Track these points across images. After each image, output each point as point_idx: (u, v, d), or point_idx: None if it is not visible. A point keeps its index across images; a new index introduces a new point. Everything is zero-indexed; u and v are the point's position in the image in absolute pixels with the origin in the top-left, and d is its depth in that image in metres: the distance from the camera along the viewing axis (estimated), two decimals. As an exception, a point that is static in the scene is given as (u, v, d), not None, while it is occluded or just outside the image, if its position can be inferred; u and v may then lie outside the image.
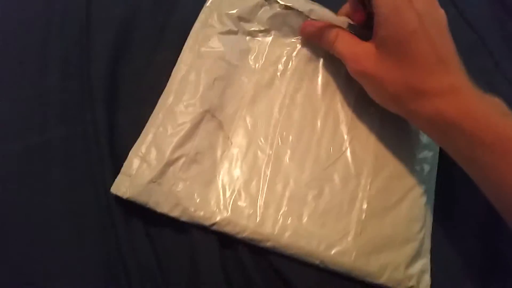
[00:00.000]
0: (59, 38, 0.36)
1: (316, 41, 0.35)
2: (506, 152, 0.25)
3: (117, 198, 0.30)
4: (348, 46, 0.32)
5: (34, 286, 0.29)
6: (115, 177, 0.30)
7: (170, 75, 0.34)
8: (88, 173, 0.32)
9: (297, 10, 0.36)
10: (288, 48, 0.36)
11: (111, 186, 0.30)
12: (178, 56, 0.35)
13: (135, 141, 0.32)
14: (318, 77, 0.36)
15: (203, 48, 0.35)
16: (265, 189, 0.31)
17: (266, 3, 0.36)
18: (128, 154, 0.31)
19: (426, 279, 0.31)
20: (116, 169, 0.31)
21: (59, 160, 0.32)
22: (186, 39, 0.35)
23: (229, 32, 0.36)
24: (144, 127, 0.32)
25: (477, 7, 0.43)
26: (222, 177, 0.31)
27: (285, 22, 0.36)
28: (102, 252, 0.30)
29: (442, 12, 0.29)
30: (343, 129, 0.34)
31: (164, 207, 0.30)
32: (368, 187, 0.33)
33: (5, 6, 0.38)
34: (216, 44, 0.35)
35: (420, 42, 0.28)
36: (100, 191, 0.31)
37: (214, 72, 0.34)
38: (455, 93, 0.27)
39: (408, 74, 0.28)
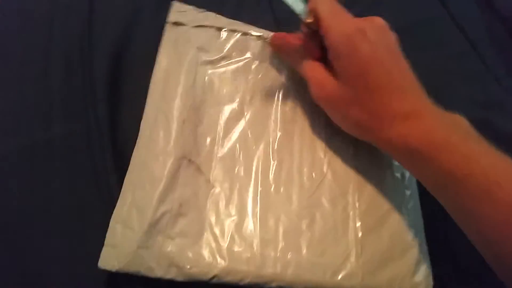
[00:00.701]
0: (62, 35, 0.37)
1: (283, 56, 0.35)
2: (469, 176, 0.25)
3: None
4: (314, 69, 0.32)
5: (37, 279, 0.29)
6: (118, 174, 0.31)
7: None
8: (91, 170, 0.32)
9: (256, 35, 0.36)
10: (252, 75, 0.36)
11: (114, 182, 0.31)
12: None
13: (136, 138, 0.31)
14: (286, 102, 0.36)
15: (167, 89, 0.33)
16: (258, 228, 0.30)
17: (224, 32, 0.36)
18: (130, 150, 0.31)
19: (430, 282, 0.31)
20: (118, 166, 0.32)
21: (62, 156, 0.32)
22: None
23: (190, 66, 0.34)
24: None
25: (467, 11, 0.46)
26: (212, 225, 0.30)
27: (245, 48, 0.36)
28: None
29: (393, 36, 0.30)
30: (320, 151, 0.34)
31: (158, 272, 0.28)
32: (357, 204, 0.33)
33: (8, 3, 0.39)
34: (178, 81, 0.34)
35: (376, 72, 0.28)
36: (103, 187, 0.31)
37: (181, 113, 0.32)
38: (416, 117, 0.27)
39: (369, 103, 0.29)
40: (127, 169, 0.31)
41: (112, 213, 0.29)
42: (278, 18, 0.42)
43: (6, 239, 0.30)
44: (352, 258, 0.30)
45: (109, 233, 0.28)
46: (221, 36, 0.36)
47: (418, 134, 0.27)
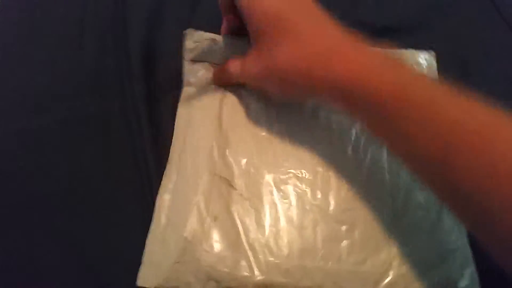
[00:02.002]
0: (95, 14, 0.37)
1: (225, 83, 0.34)
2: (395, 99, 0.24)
3: None
4: (234, 63, 0.31)
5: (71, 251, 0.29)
6: (156, 152, 0.31)
7: None
8: (129, 147, 0.32)
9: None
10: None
11: (152, 161, 0.31)
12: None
13: (173, 118, 0.32)
14: (316, 112, 0.34)
15: (193, 119, 0.33)
16: (295, 237, 0.29)
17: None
18: (167, 129, 0.32)
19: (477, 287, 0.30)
20: (157, 145, 0.32)
21: (97, 134, 0.32)
22: (215, 19, 0.35)
23: (214, 94, 0.34)
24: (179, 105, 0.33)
25: None
26: (247, 236, 0.29)
27: None
28: (141, 213, 0.29)
29: None
30: (358, 153, 0.32)
31: (196, 286, 0.28)
32: (400, 205, 0.31)
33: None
34: (204, 112, 0.33)
35: (290, 19, 0.27)
36: (141, 166, 0.31)
37: (209, 138, 0.32)
38: (339, 53, 0.26)
39: (292, 51, 0.27)
40: (164, 148, 0.31)
41: (150, 193, 0.30)
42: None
43: (41, 216, 0.30)
44: (395, 266, 0.29)
45: (146, 252, 0.28)
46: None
47: (345, 69, 0.26)
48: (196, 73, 0.34)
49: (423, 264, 0.29)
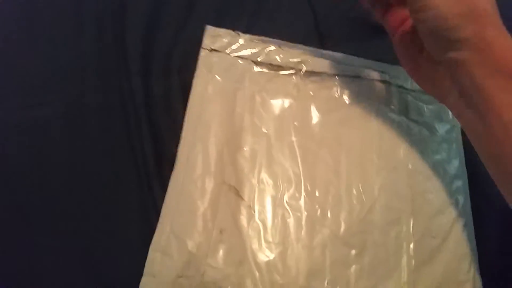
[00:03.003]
0: (95, 5, 0.37)
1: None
2: None
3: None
4: None
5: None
6: (153, 147, 0.31)
7: (198, 50, 0.33)
8: (126, 142, 0.32)
9: (290, 71, 0.34)
10: (293, 103, 0.33)
11: (148, 151, 0.31)
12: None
13: (170, 112, 0.32)
14: (329, 125, 0.33)
15: (204, 115, 0.31)
16: (303, 258, 0.28)
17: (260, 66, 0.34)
18: (164, 125, 0.32)
19: None
20: (154, 139, 0.32)
21: (96, 126, 0.32)
22: (215, 14, 0.36)
23: (228, 93, 0.32)
24: (179, 94, 0.33)
25: None
26: (254, 253, 0.28)
27: (283, 81, 0.34)
28: (139, 214, 0.29)
29: None
30: (371, 173, 0.32)
31: (198, 303, 0.26)
32: (412, 232, 0.30)
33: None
34: (216, 107, 0.32)
35: None
36: (138, 155, 0.31)
37: (220, 139, 0.31)
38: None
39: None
40: (162, 143, 0.31)
41: (147, 183, 0.30)
42: (318, 18, 0.39)
43: (41, 203, 0.29)
44: (405, 294, 0.28)
45: (148, 262, 0.27)
46: (256, 68, 0.34)
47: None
48: (210, 63, 0.33)
49: None
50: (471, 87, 0.26)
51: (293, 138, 0.32)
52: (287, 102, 0.33)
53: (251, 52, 0.34)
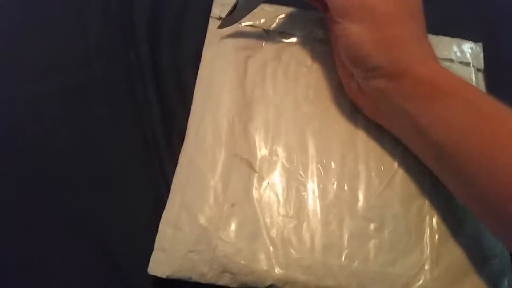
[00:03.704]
0: None
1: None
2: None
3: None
4: None
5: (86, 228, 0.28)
6: (163, 120, 0.30)
7: (207, 19, 0.33)
8: (134, 111, 0.31)
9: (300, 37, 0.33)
10: (305, 71, 0.32)
11: (158, 124, 0.30)
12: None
13: (178, 82, 0.32)
14: (344, 95, 0.31)
15: (214, 86, 0.30)
16: (319, 232, 0.27)
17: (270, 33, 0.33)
18: (172, 93, 0.31)
19: None
20: (162, 108, 0.31)
21: (103, 98, 0.32)
22: None
23: (237, 63, 0.31)
24: (185, 70, 0.32)
25: None
26: (267, 227, 0.27)
27: (294, 49, 0.33)
28: (149, 188, 0.29)
29: None
30: (389, 143, 0.30)
31: (210, 278, 0.26)
32: (435, 204, 0.28)
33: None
34: (226, 78, 0.30)
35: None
36: (147, 127, 0.30)
37: (230, 110, 0.29)
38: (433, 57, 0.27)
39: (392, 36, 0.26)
40: (172, 115, 0.31)
41: (157, 157, 0.29)
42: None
43: (46, 180, 0.29)
44: (427, 270, 0.27)
45: (158, 237, 0.26)
46: (267, 36, 0.33)
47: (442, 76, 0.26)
48: (220, 31, 0.32)
49: (459, 269, 0.27)
50: (391, 110, 0.27)
51: (307, 109, 0.31)
52: (300, 72, 0.32)
53: (262, 21, 0.33)
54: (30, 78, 0.32)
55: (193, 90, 0.30)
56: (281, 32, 0.33)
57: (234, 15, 0.31)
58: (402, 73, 0.26)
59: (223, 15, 0.32)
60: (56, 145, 0.30)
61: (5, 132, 0.30)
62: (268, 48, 0.32)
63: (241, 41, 0.32)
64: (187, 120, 0.30)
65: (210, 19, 0.32)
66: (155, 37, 0.34)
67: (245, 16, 0.31)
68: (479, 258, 0.27)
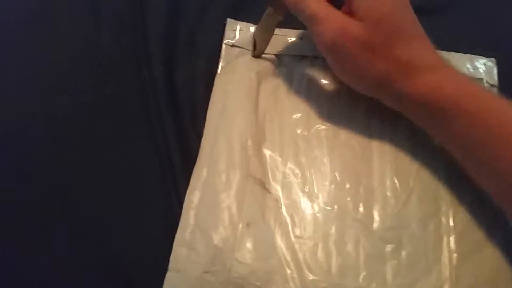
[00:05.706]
0: None
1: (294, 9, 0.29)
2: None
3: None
4: (328, 10, 0.27)
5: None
6: (176, 133, 0.30)
7: (222, 32, 0.33)
8: (147, 129, 0.31)
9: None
10: (318, 90, 0.32)
11: (171, 142, 0.30)
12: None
13: (192, 99, 0.31)
14: (358, 112, 0.31)
15: (227, 109, 0.31)
16: (334, 253, 0.27)
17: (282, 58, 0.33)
18: (187, 111, 0.31)
19: None
20: (176, 126, 0.31)
21: (115, 116, 0.31)
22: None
23: (251, 87, 0.31)
24: (201, 83, 0.32)
25: None
26: (282, 248, 0.27)
27: (305, 70, 0.33)
28: (163, 206, 0.28)
29: None
30: (405, 161, 0.30)
31: (225, 299, 0.25)
32: (452, 224, 0.28)
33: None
34: (239, 100, 0.31)
35: (400, 18, 0.27)
36: (160, 145, 0.30)
37: (244, 132, 0.29)
38: (446, 68, 0.27)
39: (395, 50, 0.26)
40: (184, 130, 0.30)
41: (171, 177, 0.29)
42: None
43: (59, 199, 0.29)
44: (447, 290, 0.26)
45: (172, 257, 0.26)
46: (279, 61, 0.33)
47: (453, 86, 0.26)
48: (233, 57, 0.33)
49: None
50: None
51: (320, 127, 0.31)
52: (312, 91, 0.32)
53: (273, 47, 0.33)
54: (42, 96, 0.32)
55: (207, 107, 0.31)
56: (292, 54, 0.33)
57: (257, 49, 0.32)
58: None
59: (235, 42, 0.33)
60: (69, 163, 0.30)
61: (18, 150, 0.30)
62: (280, 72, 0.33)
63: (253, 67, 0.32)
64: (200, 138, 0.30)
65: (223, 45, 0.33)
66: (168, 54, 0.34)
67: (267, 46, 0.32)
68: (502, 279, 0.27)
